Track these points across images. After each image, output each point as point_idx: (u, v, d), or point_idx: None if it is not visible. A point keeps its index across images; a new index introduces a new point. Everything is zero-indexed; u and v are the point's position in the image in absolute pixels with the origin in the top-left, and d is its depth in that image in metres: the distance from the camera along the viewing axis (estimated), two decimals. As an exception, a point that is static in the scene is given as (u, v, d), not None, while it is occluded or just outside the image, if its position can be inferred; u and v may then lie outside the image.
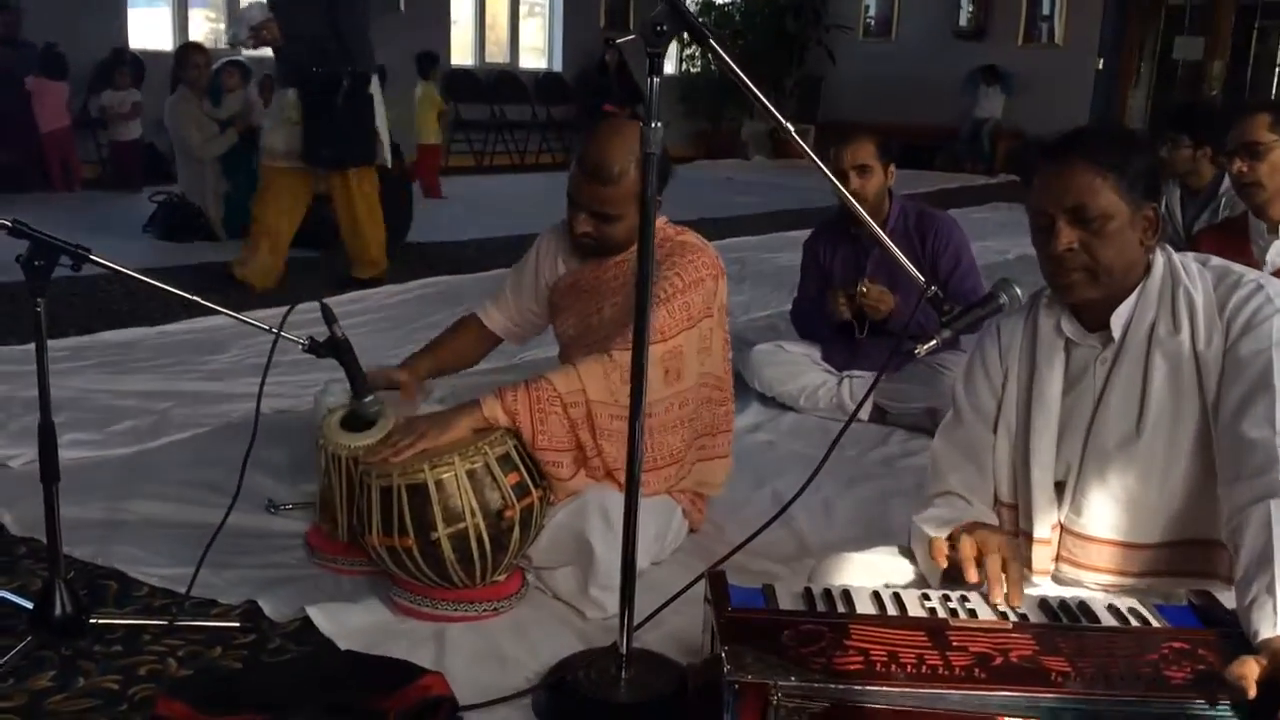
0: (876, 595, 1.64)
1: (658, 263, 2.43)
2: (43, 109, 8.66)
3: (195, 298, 2.10)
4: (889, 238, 3.45)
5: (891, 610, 1.59)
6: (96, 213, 7.79)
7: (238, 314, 2.20)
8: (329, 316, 2.23)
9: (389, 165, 5.94)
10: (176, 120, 6.99)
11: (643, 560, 2.34)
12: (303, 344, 2.21)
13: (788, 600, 1.62)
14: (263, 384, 2.20)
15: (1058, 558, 1.92)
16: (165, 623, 2.11)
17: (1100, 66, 13.65)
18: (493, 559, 2.16)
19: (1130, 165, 1.74)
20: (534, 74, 13.55)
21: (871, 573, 1.99)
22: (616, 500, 2.26)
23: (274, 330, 2.17)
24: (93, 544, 2.47)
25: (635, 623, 1.91)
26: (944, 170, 13.24)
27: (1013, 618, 1.58)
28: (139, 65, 9.54)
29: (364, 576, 2.35)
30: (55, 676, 1.94)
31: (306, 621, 2.14)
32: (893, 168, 3.51)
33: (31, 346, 4.05)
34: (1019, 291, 1.89)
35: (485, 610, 2.21)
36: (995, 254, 6.82)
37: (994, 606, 1.61)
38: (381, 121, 5.57)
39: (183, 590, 2.23)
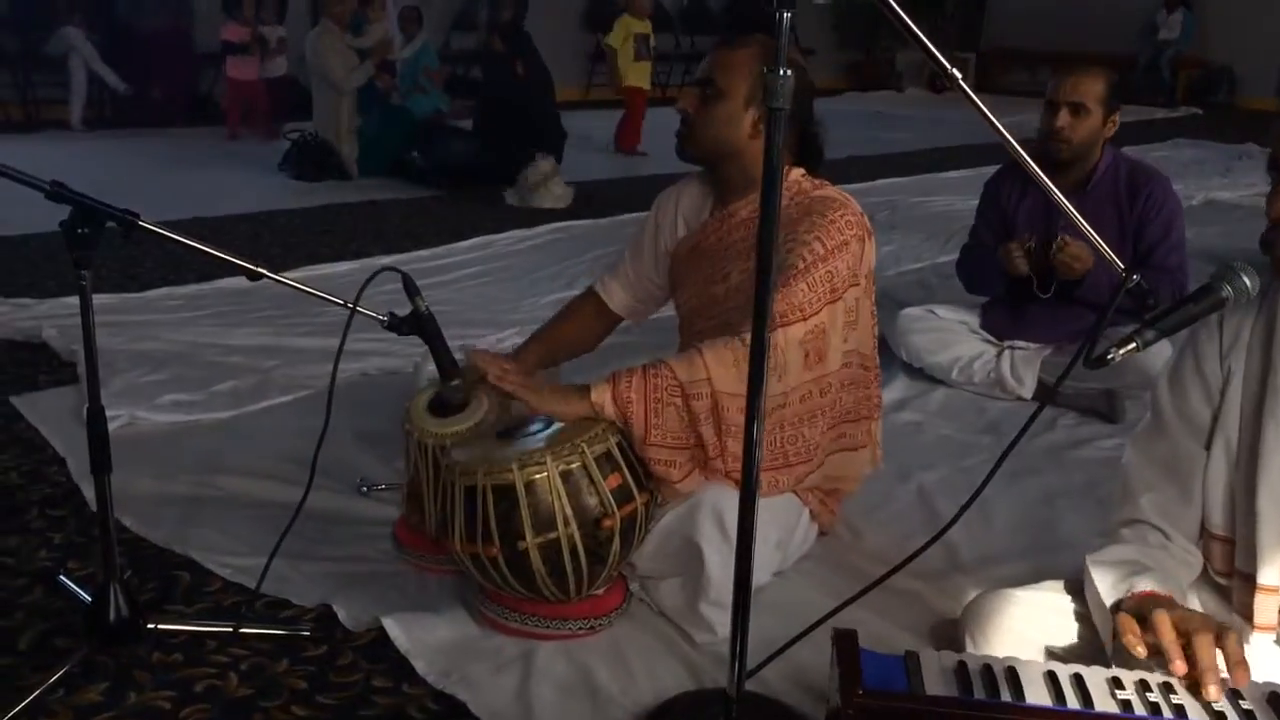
0: (1052, 678, 1.28)
1: (793, 223, 2.09)
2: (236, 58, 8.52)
3: (260, 269, 1.84)
4: (1094, 191, 3.05)
5: (1073, 701, 1.24)
6: (234, 150, 7.81)
7: (314, 289, 1.94)
8: (411, 288, 1.96)
9: None
10: (319, 53, 6.84)
11: (762, 574, 2.04)
12: (382, 320, 1.96)
13: (935, 678, 1.29)
14: (336, 363, 1.96)
15: (1284, 608, 1.53)
16: (229, 629, 1.91)
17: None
18: (588, 572, 1.88)
19: None
20: (679, 1, 13.05)
21: (1038, 622, 1.64)
22: (733, 503, 1.93)
23: (349, 305, 1.91)
24: (171, 525, 2.30)
25: (749, 665, 1.60)
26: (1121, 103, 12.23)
27: (1234, 718, 1.21)
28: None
29: (452, 578, 2.11)
30: (106, 690, 1.77)
31: (383, 632, 1.91)
32: (1116, 117, 3.02)
33: (149, 294, 4.08)
34: (1249, 281, 1.47)
35: (580, 629, 1.94)
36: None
37: (1209, 704, 1.24)
38: None
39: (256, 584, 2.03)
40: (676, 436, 1.93)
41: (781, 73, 1.36)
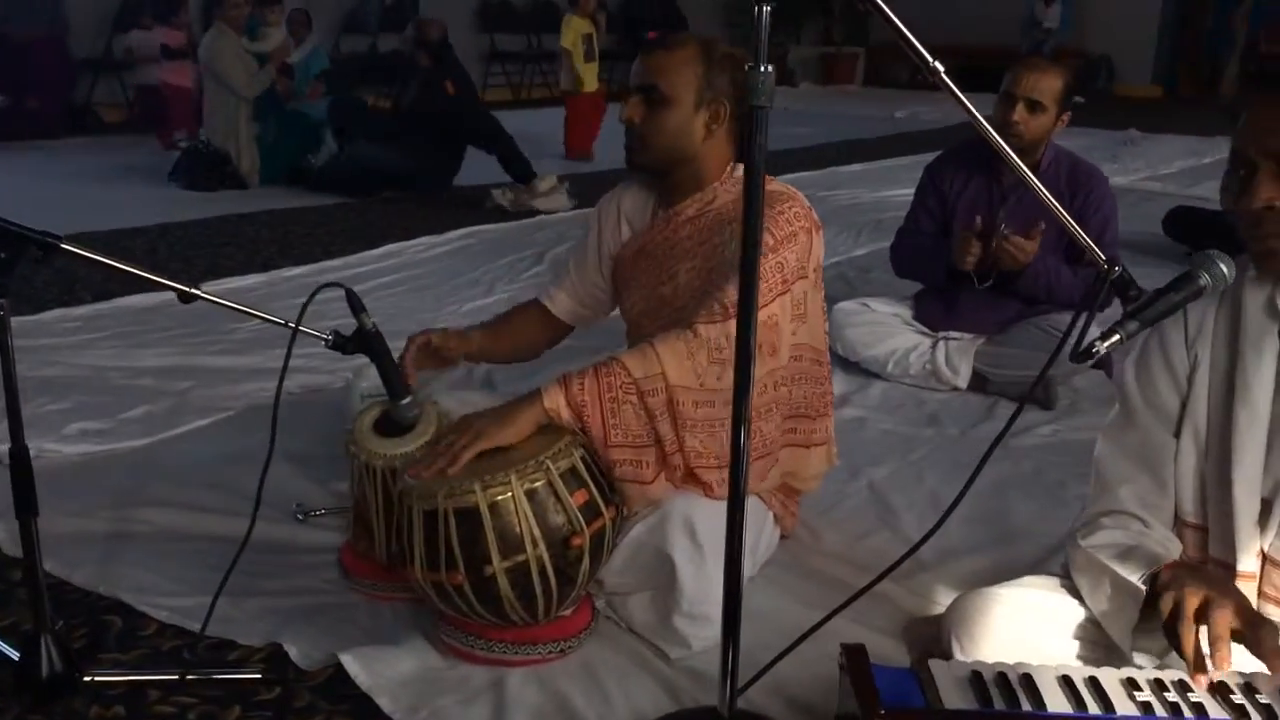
0: (1068, 683, 1.26)
1: (739, 218, 2.04)
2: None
3: (196, 290, 1.72)
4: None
5: (1093, 706, 1.22)
6: (121, 159, 7.47)
7: (252, 310, 1.82)
8: (355, 305, 1.86)
9: None
10: (216, 58, 6.57)
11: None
12: (326, 339, 1.85)
13: (951, 689, 1.25)
14: (280, 386, 1.84)
15: (1260, 594, 1.54)
16: (174, 677, 1.78)
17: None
18: (558, 593, 1.80)
19: None
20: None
21: (1024, 620, 1.62)
22: (704, 510, 1.90)
23: (290, 325, 1.80)
24: (94, 565, 2.14)
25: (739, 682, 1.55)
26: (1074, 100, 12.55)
27: (1256, 718, 1.20)
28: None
29: (407, 604, 2.01)
30: (43, 752, 1.63)
31: (340, 669, 1.80)
32: (1067, 115, 3.05)
33: (44, 316, 3.85)
34: (1225, 269, 1.47)
35: (550, 652, 1.86)
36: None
37: (1228, 700, 1.23)
38: None
39: (196, 626, 1.91)
40: (637, 435, 1.86)
41: (763, 69, 1.31)
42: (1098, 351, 1.45)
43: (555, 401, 1.83)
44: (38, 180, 6.70)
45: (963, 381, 3.16)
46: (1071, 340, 1.47)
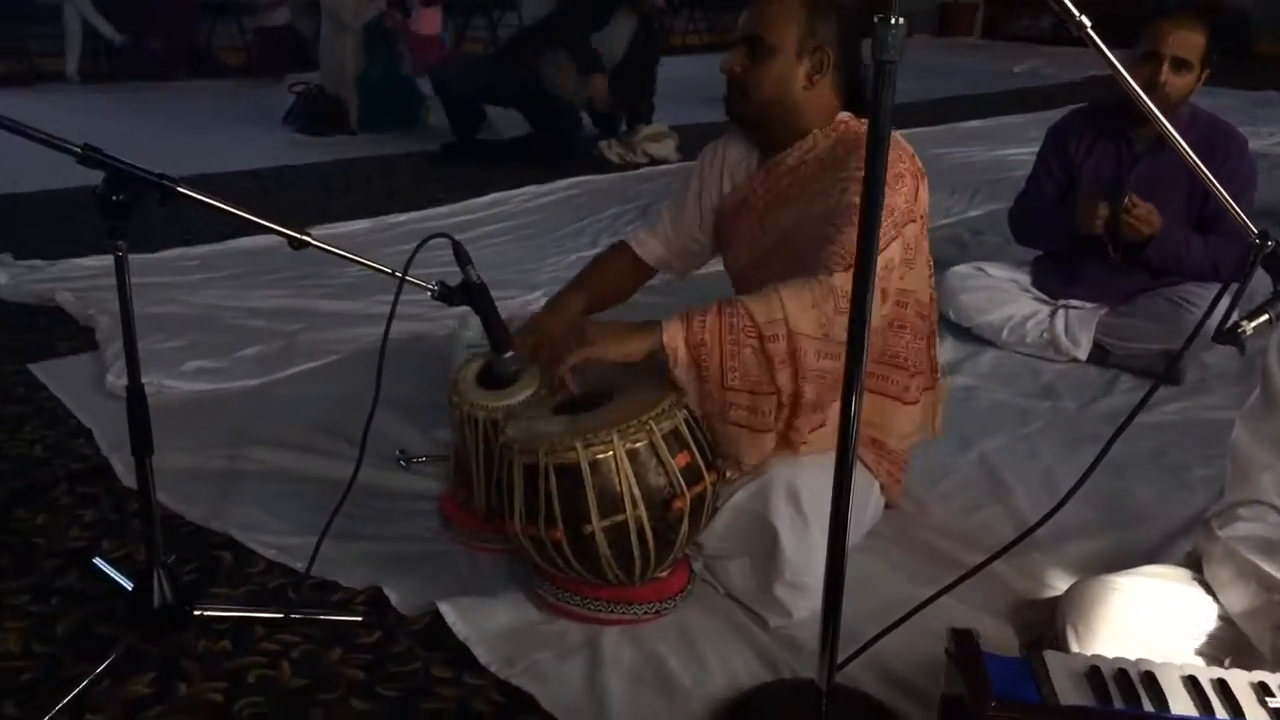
0: (1194, 684, 1.19)
1: (840, 162, 1.99)
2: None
3: (304, 236, 1.72)
4: (1167, 149, 2.85)
5: (1220, 711, 1.15)
6: (236, 104, 7.62)
7: (360, 257, 1.81)
8: (462, 256, 1.85)
9: None
10: None
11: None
12: (432, 289, 1.84)
13: (1066, 684, 1.19)
14: (385, 337, 1.85)
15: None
16: (279, 616, 1.81)
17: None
18: (656, 555, 1.78)
19: None
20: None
21: (1143, 612, 1.55)
22: (808, 478, 1.85)
23: (397, 274, 1.79)
24: (209, 503, 2.20)
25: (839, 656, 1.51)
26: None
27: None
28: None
29: (505, 556, 2.02)
30: (153, 681, 1.67)
31: (438, 617, 1.82)
32: (1208, 72, 2.87)
33: (163, 254, 3.94)
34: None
35: (645, 613, 1.85)
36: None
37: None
38: None
39: (301, 566, 1.94)
40: (756, 380, 1.80)
41: (893, 21, 1.24)
42: (1244, 332, 1.37)
43: (674, 338, 1.78)
44: (157, 121, 6.87)
45: (1083, 353, 3.03)
46: (1215, 318, 1.39)
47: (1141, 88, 3.03)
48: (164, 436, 2.34)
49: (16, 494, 2.22)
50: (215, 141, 6.26)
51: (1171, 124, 2.84)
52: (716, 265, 2.37)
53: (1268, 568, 1.38)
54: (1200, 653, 1.48)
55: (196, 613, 1.77)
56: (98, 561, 1.96)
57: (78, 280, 3.46)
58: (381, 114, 6.71)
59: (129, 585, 1.81)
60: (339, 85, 6.63)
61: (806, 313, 1.78)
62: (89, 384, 2.73)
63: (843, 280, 1.79)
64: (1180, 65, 2.77)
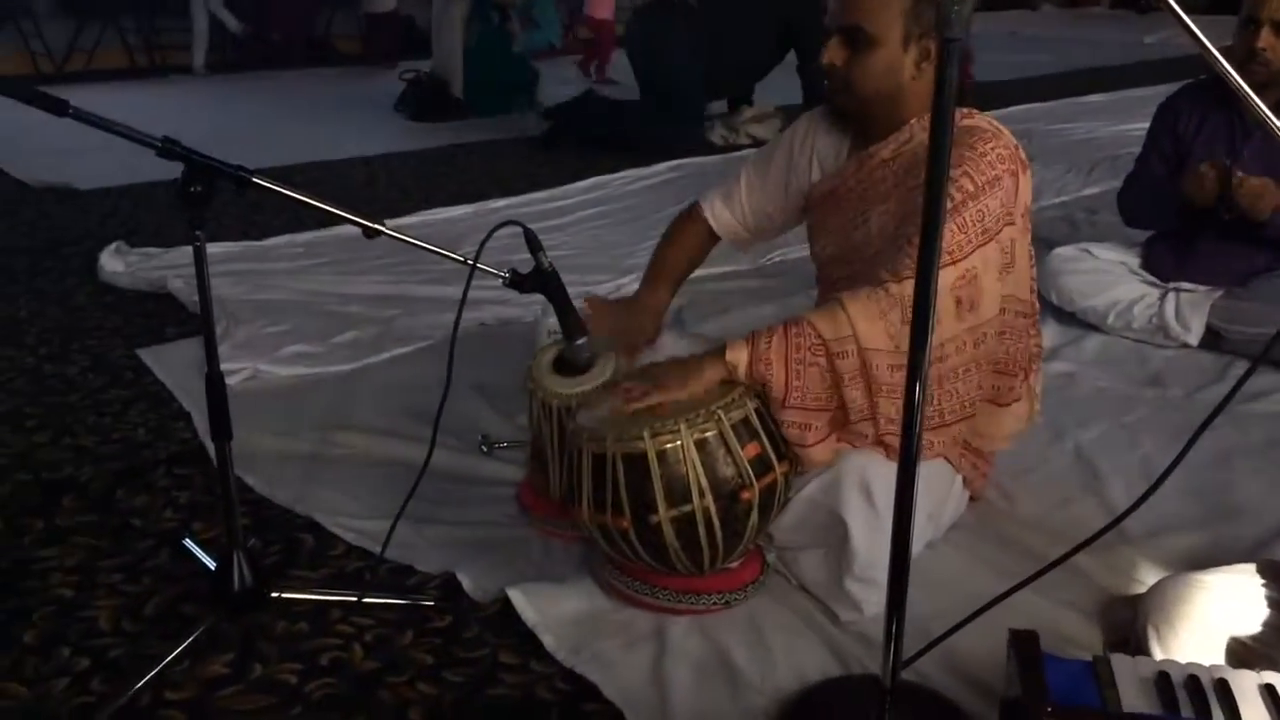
0: (1271, 693, 1.12)
1: None
2: None
3: (378, 225, 1.74)
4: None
5: (1298, 726, 1.07)
6: (351, 90, 7.80)
7: (431, 245, 1.82)
8: (533, 243, 1.85)
9: None
10: None
11: (912, 547, 1.88)
12: (504, 276, 1.84)
13: (1132, 690, 1.13)
14: (457, 324, 1.85)
15: None
16: (353, 598, 1.85)
17: None
18: (724, 546, 1.76)
19: None
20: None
21: (1231, 612, 1.46)
22: (880, 471, 1.80)
23: (469, 261, 1.80)
24: (295, 485, 2.26)
25: (906, 653, 1.46)
26: None
27: None
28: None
29: (579, 544, 2.02)
30: (231, 661, 1.72)
31: (509, 603, 1.83)
32: None
33: (269, 242, 4.07)
34: None
35: (714, 603, 1.83)
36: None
37: None
38: None
39: (379, 549, 1.97)
40: (817, 399, 1.78)
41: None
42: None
43: (738, 360, 1.77)
44: (278, 111, 7.09)
45: (1194, 338, 2.88)
46: None
47: (1240, 57, 2.87)
48: (257, 420, 2.46)
49: (118, 475, 2.31)
50: (331, 130, 6.43)
51: (1281, 94, 2.66)
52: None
53: None
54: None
55: (274, 595, 1.82)
56: (187, 542, 2.03)
57: (188, 268, 3.56)
58: (489, 91, 6.73)
59: (213, 566, 1.87)
60: (449, 63, 6.67)
61: (874, 324, 1.74)
62: (192, 369, 2.82)
63: (908, 289, 1.75)
64: None
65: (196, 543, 2.02)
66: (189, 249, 3.90)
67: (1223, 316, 2.85)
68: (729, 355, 1.77)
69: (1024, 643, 1.19)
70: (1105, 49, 9.87)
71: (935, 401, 1.85)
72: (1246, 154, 2.74)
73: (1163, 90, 7.12)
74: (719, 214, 2.29)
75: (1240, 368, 2.79)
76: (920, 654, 1.51)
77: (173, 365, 2.89)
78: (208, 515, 2.17)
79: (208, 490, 2.26)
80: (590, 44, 8.44)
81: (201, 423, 2.53)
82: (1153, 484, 1.35)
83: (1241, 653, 1.46)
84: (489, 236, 1.84)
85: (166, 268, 3.63)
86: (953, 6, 1.19)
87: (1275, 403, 2.59)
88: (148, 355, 2.97)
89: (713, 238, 2.32)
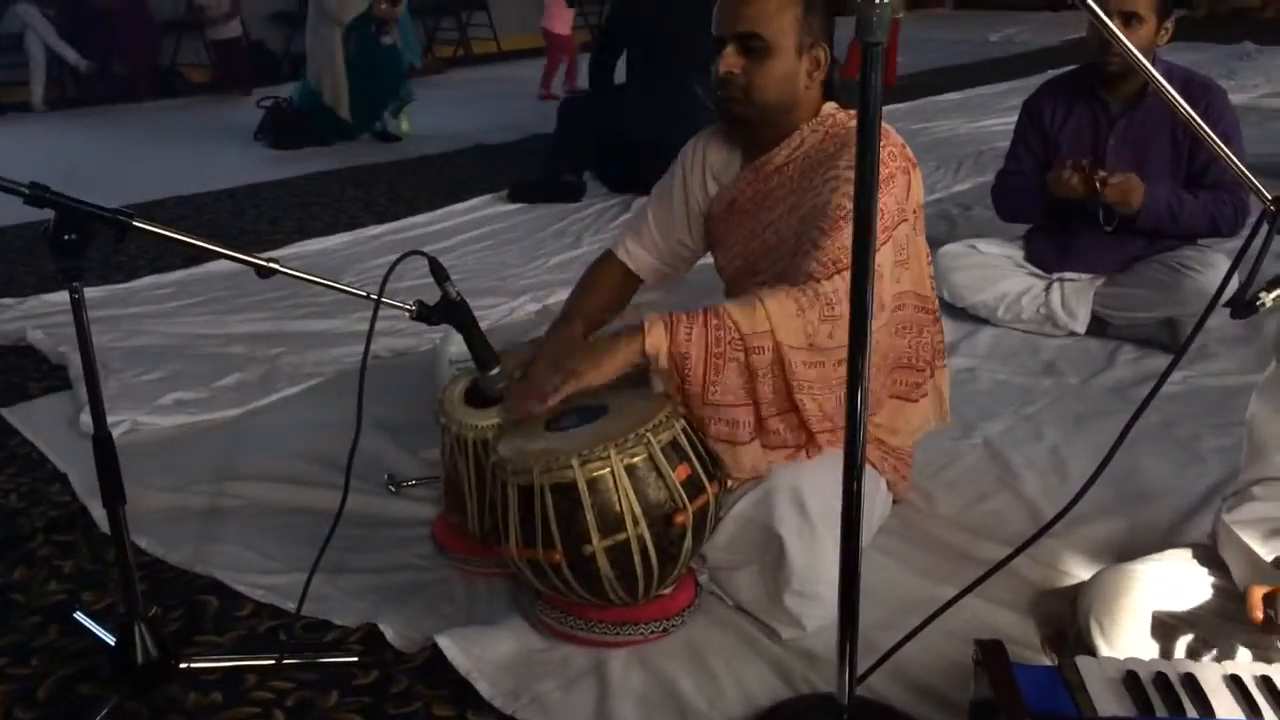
0: (1237, 683, 1.12)
1: (830, 158, 1.92)
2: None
3: (270, 263, 1.63)
4: (1147, 106, 2.78)
5: (1268, 711, 1.08)
6: (205, 120, 7.51)
7: (332, 282, 1.72)
8: (439, 274, 1.76)
9: None
10: None
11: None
12: (409, 310, 1.75)
13: (1103, 692, 1.13)
14: (364, 363, 1.74)
15: None
16: (269, 661, 1.74)
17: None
18: (659, 573, 1.71)
19: None
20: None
21: (1168, 600, 1.48)
22: (812, 481, 1.78)
23: (372, 296, 1.71)
24: (190, 543, 2.12)
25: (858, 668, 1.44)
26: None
27: None
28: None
29: (503, 580, 1.95)
30: (143, 741, 1.60)
31: (437, 651, 1.74)
32: (1170, 24, 2.79)
33: (136, 284, 3.85)
34: None
35: (652, 631, 1.77)
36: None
37: None
38: None
39: (292, 606, 1.86)
40: (736, 394, 1.74)
41: (878, 1, 1.16)
42: (1262, 305, 1.30)
43: (658, 344, 1.72)
44: (128, 145, 6.76)
45: (1081, 326, 2.97)
46: (1228, 291, 1.33)
47: (1094, 46, 2.98)
48: (142, 477, 2.30)
49: (-8, 547, 2.14)
50: (188, 163, 6.14)
51: (1142, 83, 2.79)
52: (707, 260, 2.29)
53: (1261, 552, 1.32)
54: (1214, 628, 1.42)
55: (183, 665, 1.70)
56: (78, 615, 1.88)
57: (48, 317, 3.36)
58: (372, 95, 6.53)
59: (111, 640, 1.73)
60: (331, 79, 6.41)
61: (791, 322, 1.72)
62: (63, 425, 2.64)
63: (829, 287, 1.74)
64: (1130, 19, 2.70)
65: (88, 615, 1.88)
66: (47, 298, 3.69)
67: (1106, 303, 2.95)
68: (649, 340, 1.72)
69: (991, 653, 1.17)
70: (952, 48, 10.20)
71: (841, 400, 1.83)
72: (1112, 141, 2.84)
73: (1011, 85, 7.43)
74: (634, 254, 2.24)
75: (1127, 352, 2.89)
76: (874, 667, 1.50)
77: (41, 423, 2.69)
78: (97, 584, 2.01)
79: (94, 557, 2.10)
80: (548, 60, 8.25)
81: (80, 483, 2.36)
82: (1078, 492, 1.38)
83: (1168, 623, 1.48)
84: (391, 269, 1.75)
85: (23, 318, 3.39)
86: (872, 12, 1.18)
87: (1166, 385, 2.66)
88: (12, 415, 2.75)
89: (631, 280, 2.27)
